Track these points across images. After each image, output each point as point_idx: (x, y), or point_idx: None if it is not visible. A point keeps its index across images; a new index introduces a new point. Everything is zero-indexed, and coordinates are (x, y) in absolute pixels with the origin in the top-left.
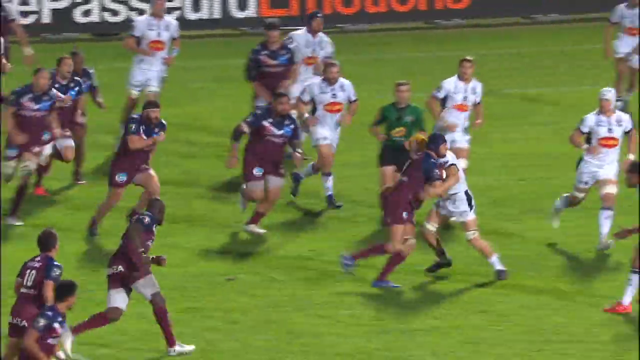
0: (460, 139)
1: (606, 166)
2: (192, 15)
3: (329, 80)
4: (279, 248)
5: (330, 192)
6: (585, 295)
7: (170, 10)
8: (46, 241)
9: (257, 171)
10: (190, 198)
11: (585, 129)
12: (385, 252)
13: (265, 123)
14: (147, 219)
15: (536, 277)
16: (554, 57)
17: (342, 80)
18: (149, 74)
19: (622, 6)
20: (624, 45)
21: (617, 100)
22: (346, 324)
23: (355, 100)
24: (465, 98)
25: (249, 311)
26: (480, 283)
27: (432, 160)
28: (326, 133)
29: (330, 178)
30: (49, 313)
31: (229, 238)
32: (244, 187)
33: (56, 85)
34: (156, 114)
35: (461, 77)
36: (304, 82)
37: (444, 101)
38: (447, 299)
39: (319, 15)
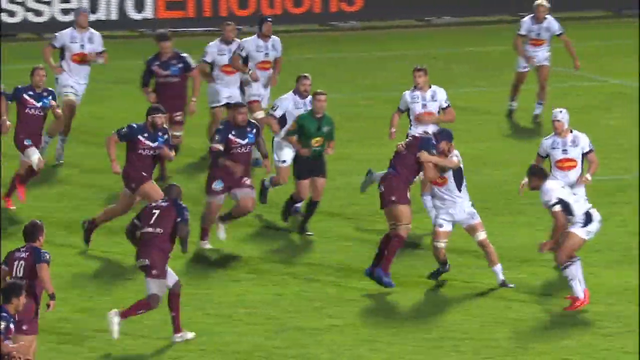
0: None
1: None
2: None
3: (301, 94)
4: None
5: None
6: (479, 293)
7: (67, 12)
8: (32, 232)
9: (216, 185)
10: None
11: (544, 153)
12: (400, 241)
13: (231, 136)
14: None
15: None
16: (449, 59)
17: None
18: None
19: (527, 19)
20: (532, 54)
21: (510, 105)
22: (245, 323)
23: None
24: (424, 106)
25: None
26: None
27: (432, 142)
28: (288, 155)
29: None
30: (5, 314)
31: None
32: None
33: (30, 93)
34: (162, 120)
35: (417, 87)
36: (260, 88)
37: (407, 113)
38: (344, 298)
39: (269, 19)
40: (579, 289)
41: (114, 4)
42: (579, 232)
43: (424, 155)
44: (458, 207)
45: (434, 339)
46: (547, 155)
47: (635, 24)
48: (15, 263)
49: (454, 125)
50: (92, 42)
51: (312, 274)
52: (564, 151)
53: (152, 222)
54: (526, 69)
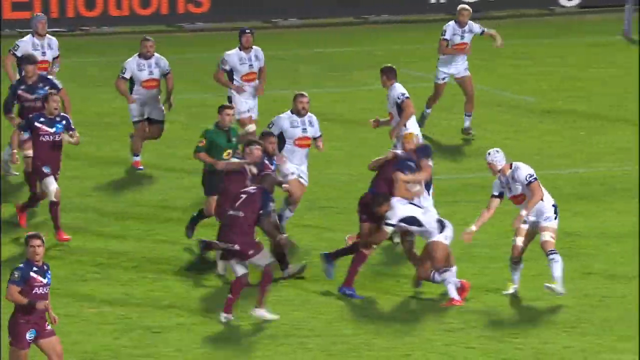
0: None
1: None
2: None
3: (299, 113)
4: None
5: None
6: (325, 291)
7: None
8: None
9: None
10: None
11: (496, 192)
12: (365, 255)
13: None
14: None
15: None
16: (296, 60)
17: (310, 114)
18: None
19: (451, 23)
20: (451, 64)
21: (423, 115)
22: (92, 322)
23: (320, 136)
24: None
25: None
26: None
27: (409, 163)
28: (293, 167)
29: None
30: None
31: None
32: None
33: (42, 120)
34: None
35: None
36: (249, 100)
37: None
38: (192, 297)
39: (247, 31)
40: (454, 291)
41: None
42: (440, 238)
43: (398, 176)
44: (429, 213)
45: (280, 335)
46: (501, 194)
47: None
48: None
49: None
50: (51, 47)
51: (160, 272)
52: (510, 190)
53: (237, 205)
54: (445, 81)
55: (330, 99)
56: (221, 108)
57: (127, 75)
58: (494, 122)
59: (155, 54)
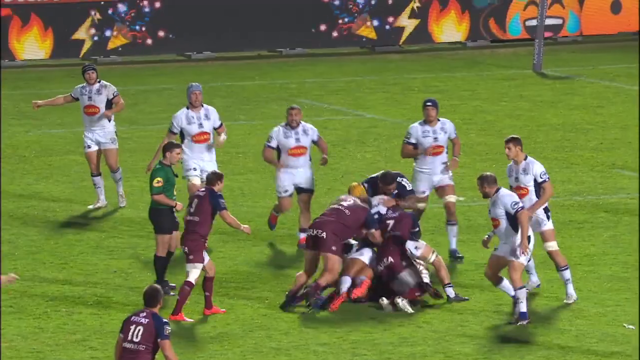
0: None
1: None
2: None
3: (290, 125)
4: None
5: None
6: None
7: None
8: (153, 297)
9: None
10: None
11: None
12: (319, 285)
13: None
14: None
15: (192, 305)
16: (210, 93)
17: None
18: None
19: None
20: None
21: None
22: (4, 357)
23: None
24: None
25: None
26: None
27: (374, 218)
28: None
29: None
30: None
31: None
32: None
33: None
34: None
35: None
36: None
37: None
38: (105, 330)
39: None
40: (345, 295)
41: None
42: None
43: (373, 235)
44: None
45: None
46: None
47: (388, 59)
48: (132, 327)
49: (216, 158)
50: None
51: (72, 306)
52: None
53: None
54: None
55: (243, 131)
56: (171, 146)
57: (274, 145)
58: None
59: (302, 123)
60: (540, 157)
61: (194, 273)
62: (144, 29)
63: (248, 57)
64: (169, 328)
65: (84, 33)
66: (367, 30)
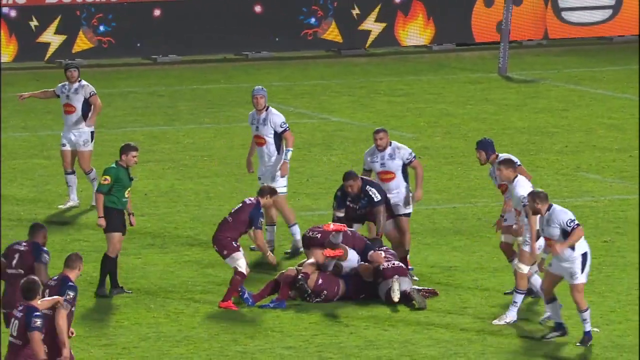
0: None
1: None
2: None
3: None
4: None
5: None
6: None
7: None
8: (30, 290)
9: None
10: None
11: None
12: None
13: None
14: None
15: (158, 309)
16: (174, 96)
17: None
18: None
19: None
20: None
21: None
22: None
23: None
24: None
25: None
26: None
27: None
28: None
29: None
30: (72, 284)
31: None
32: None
33: None
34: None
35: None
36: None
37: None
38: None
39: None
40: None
41: None
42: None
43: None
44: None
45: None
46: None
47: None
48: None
49: (182, 161)
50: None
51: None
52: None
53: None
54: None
55: (208, 134)
56: (128, 148)
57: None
58: None
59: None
60: None
61: (240, 263)
62: (109, 32)
63: (214, 60)
64: (38, 320)
65: (49, 36)
66: (332, 33)
